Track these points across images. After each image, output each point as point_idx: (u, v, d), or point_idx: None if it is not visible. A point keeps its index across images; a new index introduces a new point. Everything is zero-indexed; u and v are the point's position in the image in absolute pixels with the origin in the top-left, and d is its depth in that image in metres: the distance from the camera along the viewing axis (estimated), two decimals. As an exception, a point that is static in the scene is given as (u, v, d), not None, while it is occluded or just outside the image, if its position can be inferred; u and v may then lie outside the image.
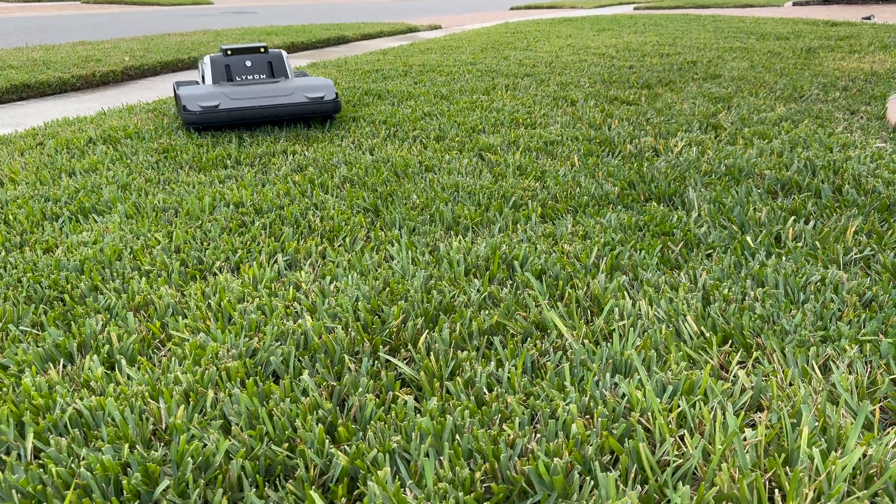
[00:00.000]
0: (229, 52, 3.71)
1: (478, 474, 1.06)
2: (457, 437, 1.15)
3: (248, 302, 1.70)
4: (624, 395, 1.26)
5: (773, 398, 1.23)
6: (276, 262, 1.96)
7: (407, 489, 1.06)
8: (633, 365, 1.34)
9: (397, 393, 1.30)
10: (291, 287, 1.77)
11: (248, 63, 3.74)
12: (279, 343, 1.49)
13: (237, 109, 3.48)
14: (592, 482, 1.04)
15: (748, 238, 1.99)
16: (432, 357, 1.39)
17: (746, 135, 3.27)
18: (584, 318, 1.58)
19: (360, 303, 1.64)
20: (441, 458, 1.11)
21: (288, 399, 1.27)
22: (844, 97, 4.12)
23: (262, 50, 3.76)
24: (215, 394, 1.31)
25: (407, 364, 1.42)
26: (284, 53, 3.82)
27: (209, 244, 2.10)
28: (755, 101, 4.06)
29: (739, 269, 1.80)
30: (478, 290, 1.71)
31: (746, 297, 1.63)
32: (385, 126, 3.71)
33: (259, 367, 1.40)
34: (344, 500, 1.04)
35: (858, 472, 1.05)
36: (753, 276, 1.75)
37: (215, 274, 1.91)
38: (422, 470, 1.08)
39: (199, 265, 1.95)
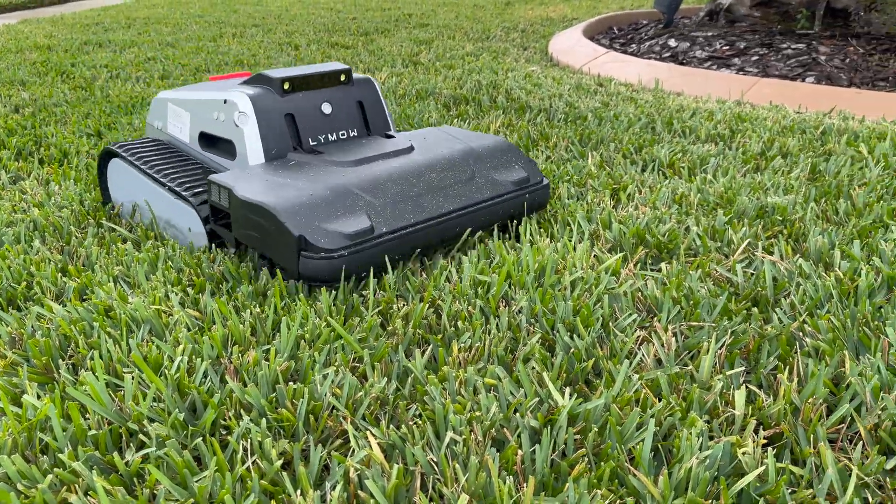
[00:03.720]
0: (287, 87, 1.67)
1: (185, 278, 1.44)
2: (168, 261, 1.51)
3: (-26, 205, 1.87)
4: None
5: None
6: (-1, 178, 2.11)
7: (128, 293, 1.40)
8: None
9: (119, 245, 1.62)
10: (17, 191, 1.96)
11: (327, 108, 1.73)
12: (8, 228, 1.71)
13: (412, 233, 1.46)
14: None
15: (418, 133, 2.54)
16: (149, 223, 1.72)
17: (438, 67, 3.88)
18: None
19: (83, 194, 1.90)
20: (153, 274, 1.47)
21: (22, 257, 1.53)
22: (521, 37, 4.96)
23: (344, 78, 1.77)
24: (-49, 262, 1.53)
25: (129, 231, 1.73)
26: (376, 83, 1.86)
27: (-76, 170, 2.17)
28: (451, 43, 4.74)
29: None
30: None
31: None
32: (107, 69, 3.78)
33: (-8, 244, 1.63)
34: (78, 303, 1.36)
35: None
36: (415, 155, 2.29)
37: (-64, 191, 2.02)
38: (139, 281, 1.43)
39: (-84, 186, 2.04)
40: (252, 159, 1.60)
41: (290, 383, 1.08)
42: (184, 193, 1.57)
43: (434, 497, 0.91)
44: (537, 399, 1.06)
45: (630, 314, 1.29)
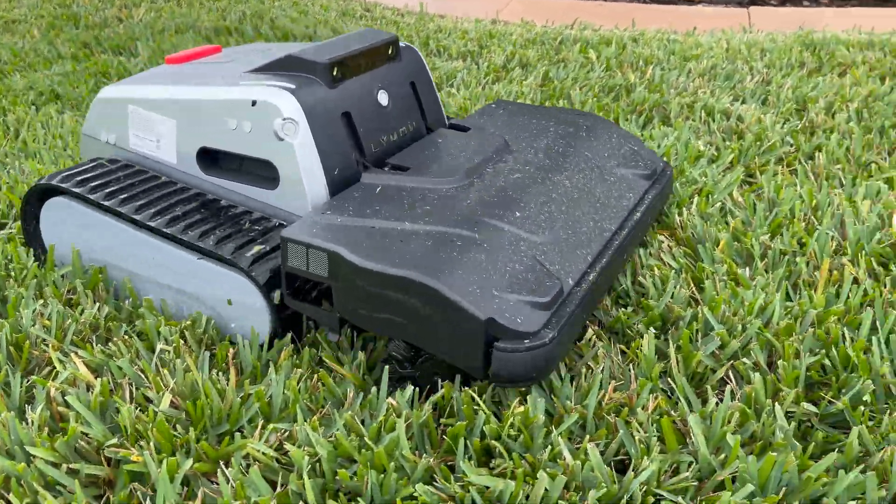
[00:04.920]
0: (338, 73, 1.13)
1: None
2: None
3: None
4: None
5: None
6: None
7: None
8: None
9: None
10: None
11: (384, 98, 1.22)
12: None
13: (598, 276, 1.00)
14: None
15: (172, 67, 2.44)
16: None
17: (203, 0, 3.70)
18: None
19: None
20: None
21: None
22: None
23: (391, 51, 1.26)
24: None
25: None
26: (418, 52, 1.35)
27: None
28: (222, -25, 4.51)
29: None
30: None
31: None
32: None
33: None
34: None
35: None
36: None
37: None
38: None
39: None
40: (311, 188, 1.08)
41: (-9, 320, 1.05)
42: (227, 255, 1.03)
43: (140, 401, 0.94)
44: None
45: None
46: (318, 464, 0.81)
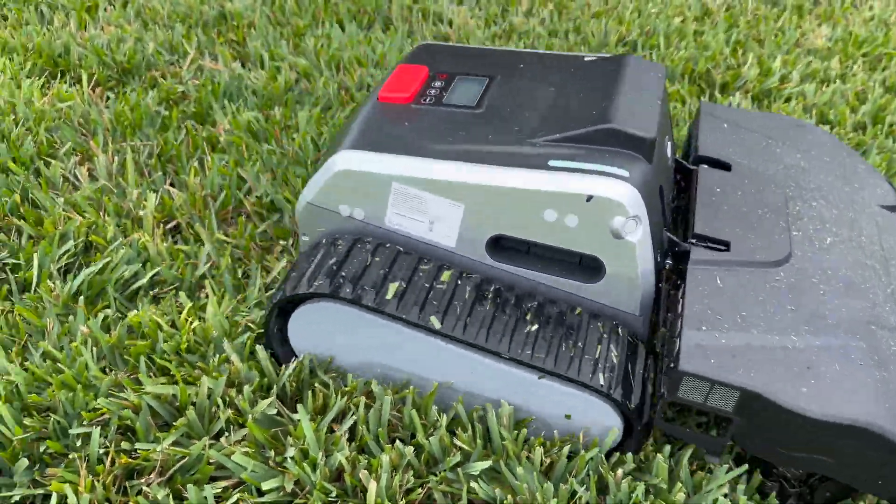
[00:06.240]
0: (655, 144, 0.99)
1: None
2: None
3: None
4: None
5: None
6: None
7: None
8: None
9: None
10: None
11: (669, 150, 1.11)
12: None
13: None
14: None
15: None
16: None
17: None
18: None
19: None
20: None
21: None
22: None
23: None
24: None
25: None
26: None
27: None
28: None
29: None
30: None
31: None
32: None
33: None
34: None
35: None
36: None
37: None
38: None
39: None
40: (645, 284, 0.97)
41: None
42: (588, 382, 0.92)
43: None
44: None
45: (69, 141, 1.42)
46: (16, 390, 0.96)
